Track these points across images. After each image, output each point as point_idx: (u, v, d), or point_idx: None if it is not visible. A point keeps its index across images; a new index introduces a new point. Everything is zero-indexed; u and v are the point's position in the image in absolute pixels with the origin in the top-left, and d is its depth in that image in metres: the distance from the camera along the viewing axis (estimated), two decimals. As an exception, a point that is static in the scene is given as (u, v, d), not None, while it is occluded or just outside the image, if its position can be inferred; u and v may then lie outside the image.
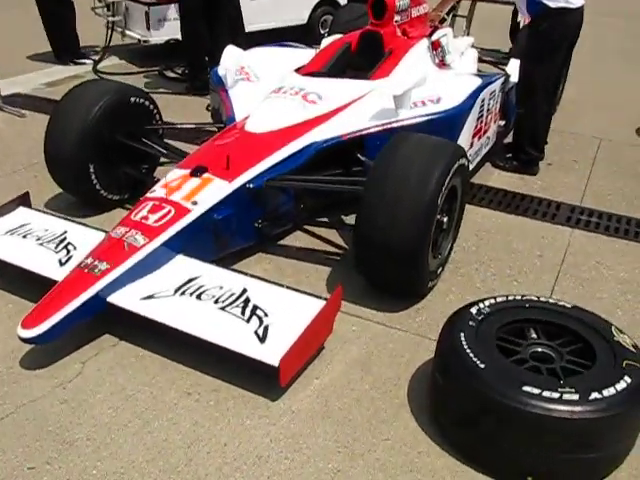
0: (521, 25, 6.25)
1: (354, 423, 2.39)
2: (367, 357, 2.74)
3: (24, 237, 3.06)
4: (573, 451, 2.06)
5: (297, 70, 4.22)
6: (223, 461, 2.19)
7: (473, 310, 2.45)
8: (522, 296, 2.59)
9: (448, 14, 4.91)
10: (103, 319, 2.71)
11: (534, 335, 2.42)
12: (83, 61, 6.97)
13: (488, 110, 4.34)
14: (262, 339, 2.46)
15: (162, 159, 3.98)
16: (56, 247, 2.97)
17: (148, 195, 3.09)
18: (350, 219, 3.81)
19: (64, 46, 6.93)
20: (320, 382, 2.58)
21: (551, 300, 2.58)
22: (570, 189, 4.55)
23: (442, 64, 4.67)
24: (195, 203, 2.99)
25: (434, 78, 4.13)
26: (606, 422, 2.03)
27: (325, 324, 2.68)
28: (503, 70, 5.26)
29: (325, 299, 2.67)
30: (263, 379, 2.49)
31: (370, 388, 2.56)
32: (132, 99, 3.73)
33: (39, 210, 3.40)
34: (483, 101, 4.15)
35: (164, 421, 2.35)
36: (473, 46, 5.41)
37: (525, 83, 4.59)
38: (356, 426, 2.37)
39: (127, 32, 6.99)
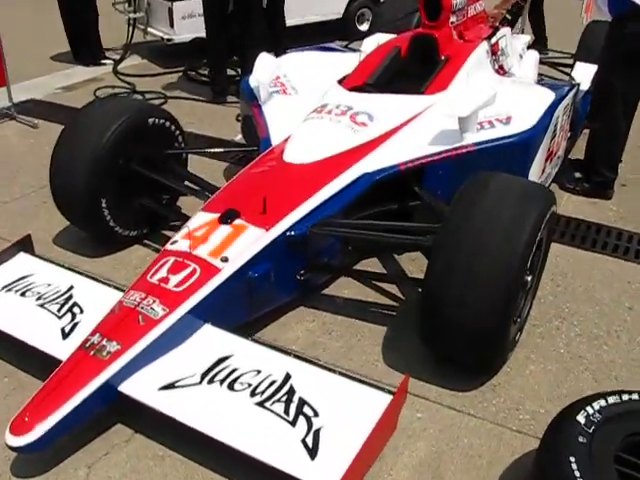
0: (584, 21, 5.62)
1: None
2: (438, 458, 2.22)
3: (23, 294, 2.58)
4: None
5: (341, 82, 3.67)
6: None
7: (581, 419, 1.90)
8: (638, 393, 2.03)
9: (512, 13, 4.30)
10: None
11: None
12: (104, 62, 6.49)
13: (561, 127, 3.75)
14: (312, 452, 1.94)
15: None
16: (59, 309, 2.49)
17: (168, 247, 2.58)
18: (412, 267, 3.27)
19: (84, 46, 6.46)
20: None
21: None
22: (653, 217, 3.95)
23: (501, 70, 4.11)
24: (225, 260, 2.47)
25: (498, 90, 3.58)
26: None
27: (390, 423, 2.17)
28: (568, 75, 4.68)
29: (390, 392, 2.14)
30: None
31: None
32: (151, 120, 3.21)
33: (42, 258, 2.91)
34: (557, 118, 3.55)
35: None
36: (531, 46, 4.84)
37: (602, 94, 3.99)
38: None
39: (149, 30, 6.52)
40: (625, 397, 2.01)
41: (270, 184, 2.87)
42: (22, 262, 2.81)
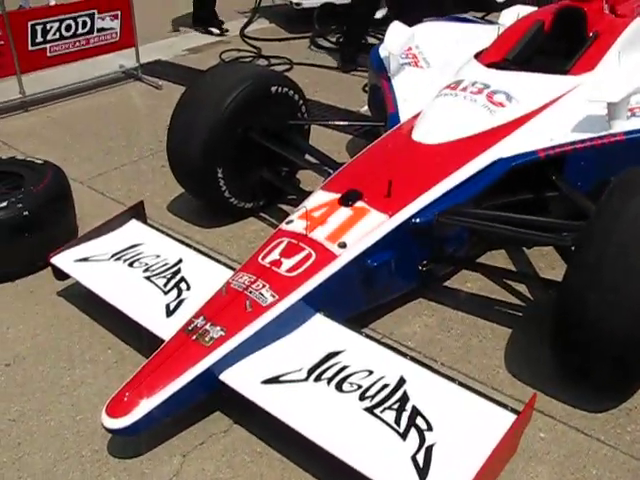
0: None
1: None
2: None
3: (131, 265, 2.51)
4: None
5: (477, 57, 3.33)
6: None
7: None
8: None
9: None
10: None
11: None
12: (213, 30, 6.37)
13: None
14: (423, 472, 1.71)
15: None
16: (166, 284, 2.39)
17: (283, 227, 2.40)
18: (542, 263, 2.93)
19: (200, 12, 6.40)
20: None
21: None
22: None
23: None
24: (343, 246, 2.26)
25: None
26: None
27: (512, 445, 1.91)
28: None
29: (515, 410, 1.87)
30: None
31: None
32: (274, 88, 3.04)
33: (153, 227, 2.83)
34: None
35: None
36: None
37: None
38: None
39: (279, -8, 6.35)
40: None
41: (396, 165, 2.63)
42: (133, 230, 2.75)
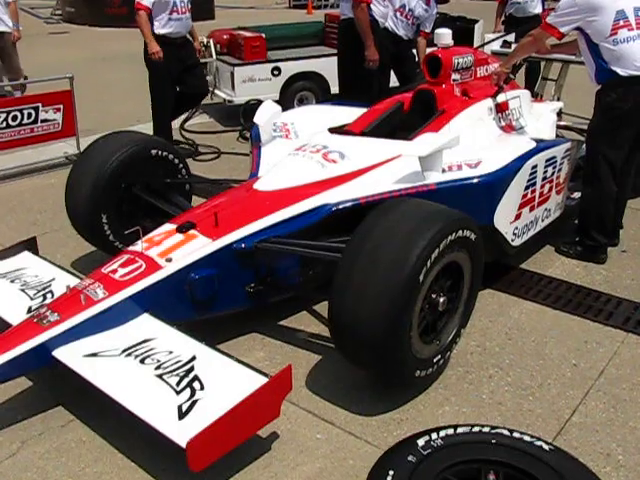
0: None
1: None
2: (318, 474, 2.44)
3: (12, 281, 3.14)
4: None
5: (336, 129, 4.05)
6: None
7: (420, 442, 2.11)
8: (491, 428, 2.20)
9: (514, 73, 4.50)
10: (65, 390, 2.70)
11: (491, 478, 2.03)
12: None
13: (545, 178, 3.92)
14: (183, 415, 2.28)
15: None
16: (35, 294, 3.02)
17: (129, 247, 3.05)
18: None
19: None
20: (253, 496, 2.33)
21: (527, 437, 2.17)
22: (640, 283, 3.97)
23: (509, 128, 4.31)
24: (169, 260, 2.89)
25: (490, 143, 3.82)
26: None
27: (266, 406, 2.43)
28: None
29: (269, 376, 2.43)
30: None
31: (305, 514, 2.28)
32: (154, 151, 3.74)
33: (42, 257, 3.47)
34: (535, 167, 3.75)
35: (68, 520, 2.22)
36: (561, 112, 4.96)
37: (590, 160, 4.13)
38: None
39: (216, 91, 7.22)
40: (476, 429, 2.19)
41: (231, 205, 3.26)
42: (23, 258, 3.40)
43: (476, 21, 8.32)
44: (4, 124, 5.32)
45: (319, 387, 2.93)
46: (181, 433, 2.18)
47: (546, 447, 2.11)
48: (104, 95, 8.35)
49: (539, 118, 4.73)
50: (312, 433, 2.65)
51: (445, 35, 4.32)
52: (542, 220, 4.08)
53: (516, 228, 3.76)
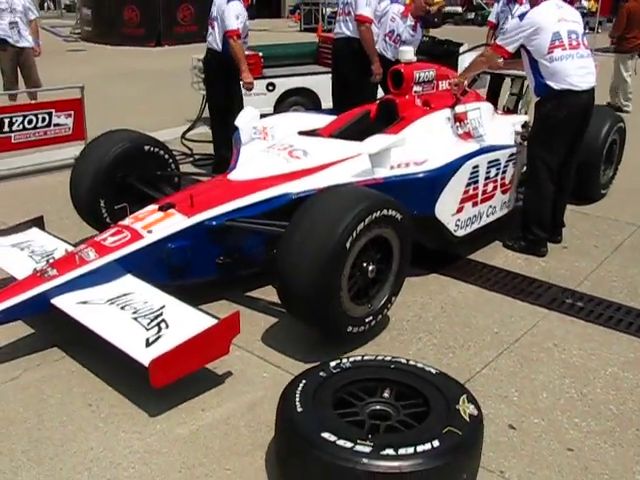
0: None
1: (209, 451, 2.66)
2: (259, 400, 3.00)
3: (22, 249, 3.77)
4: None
5: (307, 132, 4.62)
6: (81, 460, 2.57)
7: (332, 363, 2.65)
8: (392, 357, 2.75)
9: (470, 85, 5.03)
10: (62, 336, 3.32)
11: (386, 394, 2.57)
12: None
13: (488, 178, 4.47)
14: (149, 344, 2.87)
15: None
16: (40, 259, 3.62)
17: (118, 222, 3.66)
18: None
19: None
20: (203, 413, 2.88)
21: (419, 365, 2.71)
22: (574, 273, 4.48)
23: (468, 136, 4.73)
24: (150, 232, 3.49)
25: (442, 146, 4.32)
26: (393, 478, 2.15)
27: (216, 343, 2.97)
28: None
29: (220, 319, 2.99)
30: (163, 403, 2.89)
31: (244, 425, 2.82)
32: (146, 147, 4.38)
33: (47, 232, 4.09)
34: (476, 167, 4.31)
35: (56, 423, 2.78)
36: (526, 125, 5.31)
37: (529, 163, 4.68)
38: (209, 454, 2.64)
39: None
40: (379, 357, 2.75)
41: (204, 190, 3.89)
42: (32, 233, 4.03)
43: (461, 44, 8.94)
44: (21, 127, 5.99)
45: (272, 341, 3.49)
46: (146, 356, 2.75)
47: (433, 371, 2.64)
48: (114, 107, 9.05)
49: (500, 129, 5.24)
50: (260, 372, 3.21)
51: (407, 52, 4.91)
52: (487, 216, 4.63)
53: (458, 220, 4.32)
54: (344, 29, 6.22)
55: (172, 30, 17.98)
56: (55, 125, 6.19)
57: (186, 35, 17.62)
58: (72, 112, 6.26)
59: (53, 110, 6.14)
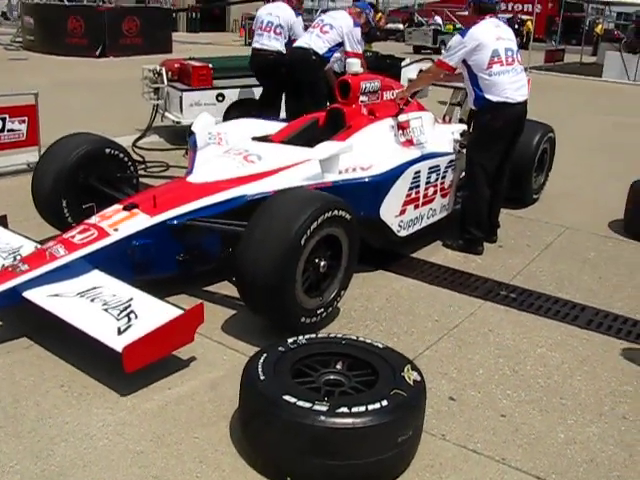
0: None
1: (178, 422, 2.89)
2: (221, 379, 3.24)
3: None
4: (321, 456, 2.45)
5: (260, 138, 4.88)
6: (57, 433, 2.76)
7: (290, 340, 2.93)
8: (344, 335, 3.05)
9: (413, 96, 5.40)
10: (27, 326, 3.47)
11: (338, 366, 2.85)
12: None
13: (429, 182, 4.84)
14: (121, 332, 3.07)
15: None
16: (7, 256, 3.77)
17: (86, 220, 3.84)
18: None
19: None
20: (170, 391, 3.11)
21: (368, 340, 3.00)
22: (507, 269, 4.90)
23: (409, 143, 5.04)
24: (116, 230, 3.69)
25: (386, 153, 4.64)
26: (347, 433, 2.43)
27: (182, 331, 3.21)
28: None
29: (185, 310, 3.23)
30: (132, 385, 3.09)
31: (208, 400, 3.06)
32: (107, 150, 4.58)
33: (13, 230, 4.22)
34: (418, 173, 4.68)
35: (31, 402, 2.95)
36: (464, 133, 5.61)
37: (468, 168, 5.09)
38: (178, 425, 2.87)
39: (166, 114, 8.05)
40: (332, 335, 3.03)
41: (166, 191, 4.12)
42: None
43: (403, 59, 9.42)
44: (-28, 132, 6.04)
45: (230, 329, 3.73)
46: (119, 343, 2.96)
47: (381, 346, 2.94)
48: (63, 115, 9.07)
49: (440, 137, 5.61)
50: (220, 355, 3.45)
51: (355, 64, 5.25)
52: (427, 218, 5.00)
53: (401, 221, 4.67)
54: (303, 42, 6.73)
55: (117, 41, 17.98)
56: (9, 131, 6.25)
57: (131, 47, 17.69)
58: (26, 118, 6.33)
59: (7, 116, 6.20)
